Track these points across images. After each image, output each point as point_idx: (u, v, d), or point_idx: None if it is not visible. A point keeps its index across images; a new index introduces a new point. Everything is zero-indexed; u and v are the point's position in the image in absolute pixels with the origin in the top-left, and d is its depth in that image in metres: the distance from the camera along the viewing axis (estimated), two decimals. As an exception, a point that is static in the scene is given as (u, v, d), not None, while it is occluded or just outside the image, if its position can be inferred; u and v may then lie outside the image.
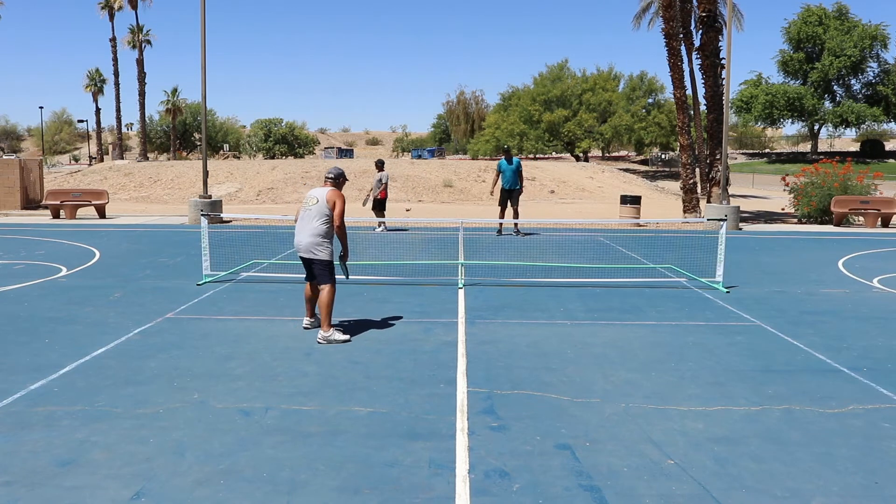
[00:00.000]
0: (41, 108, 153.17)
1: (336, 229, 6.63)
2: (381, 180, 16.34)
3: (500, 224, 16.23)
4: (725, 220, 10.07)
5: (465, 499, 3.63)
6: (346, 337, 6.62)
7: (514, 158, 15.78)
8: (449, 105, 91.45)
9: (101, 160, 64.01)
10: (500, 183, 15.76)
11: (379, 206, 16.41)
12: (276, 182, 31.65)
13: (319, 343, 6.52)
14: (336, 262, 6.71)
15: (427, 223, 17.69)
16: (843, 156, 49.32)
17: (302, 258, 6.76)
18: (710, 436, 4.46)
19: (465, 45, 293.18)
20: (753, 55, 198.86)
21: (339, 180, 6.83)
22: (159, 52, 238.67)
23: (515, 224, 15.75)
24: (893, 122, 68.94)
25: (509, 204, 15.66)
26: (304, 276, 6.97)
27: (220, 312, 7.85)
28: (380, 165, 16.81)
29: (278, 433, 4.45)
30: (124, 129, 70.03)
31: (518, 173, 15.55)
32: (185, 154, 79.22)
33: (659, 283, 9.85)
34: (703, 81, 21.44)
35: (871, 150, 69.01)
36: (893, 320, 7.72)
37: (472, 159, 63.83)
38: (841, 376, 5.72)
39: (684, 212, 21.34)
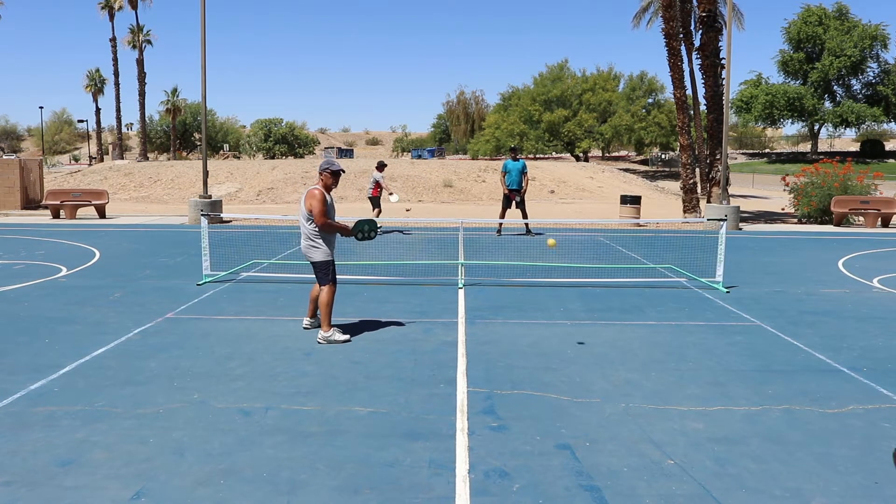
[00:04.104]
0: (41, 108, 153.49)
1: (321, 229, 6.54)
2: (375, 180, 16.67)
3: (500, 224, 16.26)
4: (725, 220, 10.07)
5: (465, 499, 3.63)
6: (346, 337, 6.62)
7: (520, 159, 15.86)
8: (449, 105, 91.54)
9: (101, 160, 64.02)
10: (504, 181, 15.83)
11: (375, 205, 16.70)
12: (276, 182, 31.64)
13: (319, 343, 6.52)
14: (334, 256, 6.67)
15: (427, 223, 17.70)
16: (843, 156, 49.34)
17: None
18: (710, 436, 4.46)
19: (465, 45, 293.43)
20: (753, 55, 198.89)
21: (322, 173, 6.68)
22: (159, 52, 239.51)
23: (526, 224, 15.80)
24: (893, 122, 68.87)
25: (513, 205, 15.68)
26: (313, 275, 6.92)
27: (220, 312, 7.85)
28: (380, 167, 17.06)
29: (278, 433, 4.45)
30: (124, 129, 70.06)
31: (523, 173, 15.60)
32: (185, 154, 79.22)
33: (659, 283, 9.85)
34: (703, 81, 21.45)
35: (871, 150, 68.97)
36: (893, 320, 7.72)
37: (472, 159, 63.81)
38: (841, 376, 5.72)
39: (684, 212, 21.34)
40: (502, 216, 15.73)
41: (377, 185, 16.32)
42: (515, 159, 15.72)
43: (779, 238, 16.28)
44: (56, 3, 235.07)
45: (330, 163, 6.75)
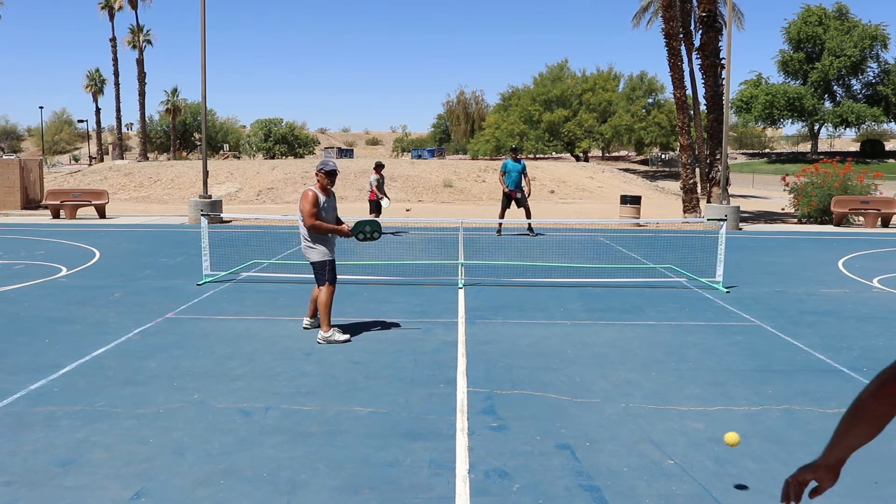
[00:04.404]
0: (41, 108, 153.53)
1: (310, 230, 6.52)
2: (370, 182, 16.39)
3: (500, 224, 16.24)
4: (725, 220, 10.07)
5: (465, 499, 3.63)
6: (346, 337, 6.62)
7: (521, 160, 15.79)
8: (449, 105, 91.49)
9: (101, 160, 63.99)
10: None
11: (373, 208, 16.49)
12: (276, 182, 31.64)
13: (319, 343, 6.52)
14: (338, 254, 6.61)
15: (427, 223, 17.69)
16: (843, 156, 49.33)
17: None
18: (710, 436, 4.45)
19: (465, 45, 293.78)
20: (753, 55, 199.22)
21: (317, 174, 6.68)
22: (159, 52, 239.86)
23: (529, 224, 15.72)
24: (893, 122, 68.81)
25: (514, 205, 15.64)
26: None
27: (220, 312, 7.85)
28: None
29: (278, 433, 4.45)
30: (124, 129, 70.04)
31: (522, 174, 15.54)
32: (185, 154, 79.20)
33: (659, 283, 9.85)
34: (703, 81, 21.46)
35: (871, 150, 68.94)
36: (893, 320, 7.72)
37: (472, 159, 63.78)
38: (841, 376, 5.72)
39: (684, 212, 21.34)
40: (502, 216, 15.70)
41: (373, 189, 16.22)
42: (516, 160, 15.63)
43: (779, 238, 16.28)
44: (56, 3, 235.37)
45: (324, 163, 6.77)
